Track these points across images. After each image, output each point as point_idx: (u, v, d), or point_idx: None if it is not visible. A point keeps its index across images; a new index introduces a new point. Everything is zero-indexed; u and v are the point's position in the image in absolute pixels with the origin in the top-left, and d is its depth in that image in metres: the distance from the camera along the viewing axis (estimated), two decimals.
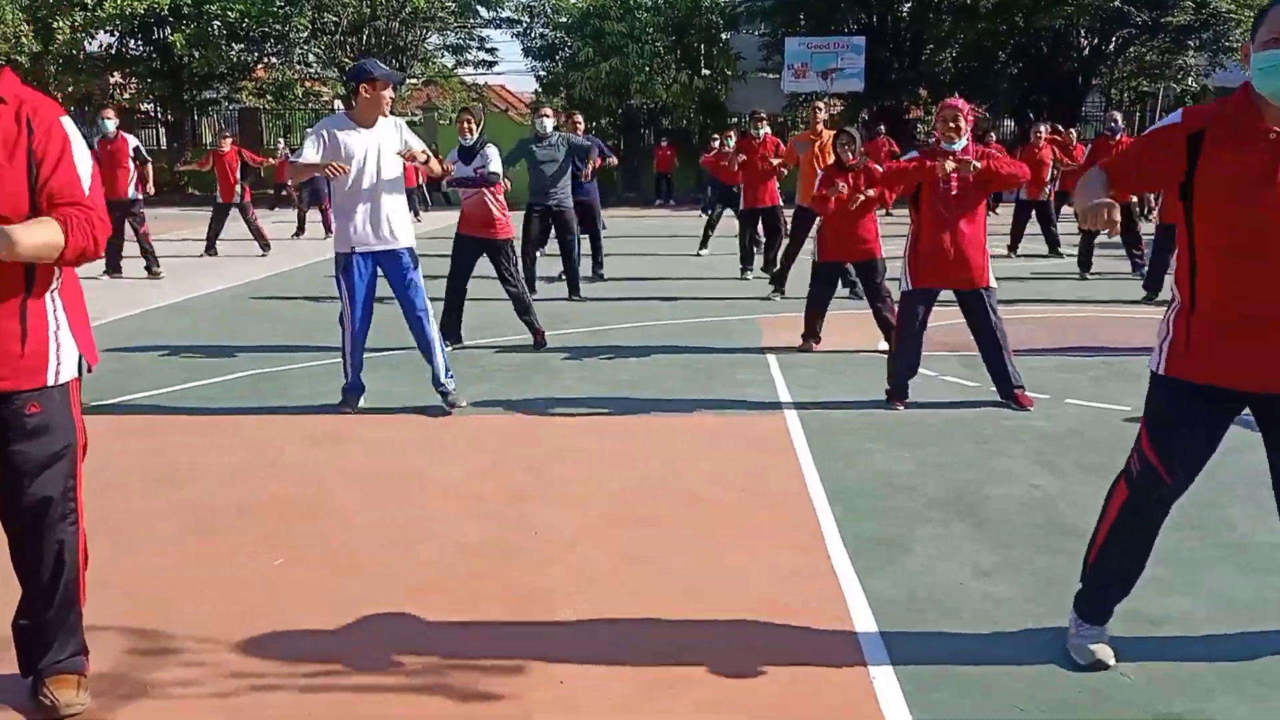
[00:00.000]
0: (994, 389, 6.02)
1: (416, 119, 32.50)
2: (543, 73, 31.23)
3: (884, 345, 7.13)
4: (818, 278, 7.55)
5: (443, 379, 5.86)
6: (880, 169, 7.31)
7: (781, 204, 11.04)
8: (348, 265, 5.72)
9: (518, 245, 8.31)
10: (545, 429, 5.57)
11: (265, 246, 14.37)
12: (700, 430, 5.55)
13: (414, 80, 31.78)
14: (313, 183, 16.98)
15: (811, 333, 7.60)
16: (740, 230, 11.82)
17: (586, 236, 11.55)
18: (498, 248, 7.68)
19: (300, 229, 17.12)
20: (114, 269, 11.71)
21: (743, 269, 11.70)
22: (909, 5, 28.95)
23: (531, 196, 9.99)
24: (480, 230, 7.61)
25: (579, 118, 11.82)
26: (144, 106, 31.74)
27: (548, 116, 9.97)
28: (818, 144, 9.93)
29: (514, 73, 68.65)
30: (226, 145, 14.48)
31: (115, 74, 28.98)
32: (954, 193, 5.68)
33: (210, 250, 14.31)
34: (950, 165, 5.62)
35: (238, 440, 5.34)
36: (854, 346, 7.60)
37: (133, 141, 11.65)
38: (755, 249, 11.80)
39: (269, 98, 30.39)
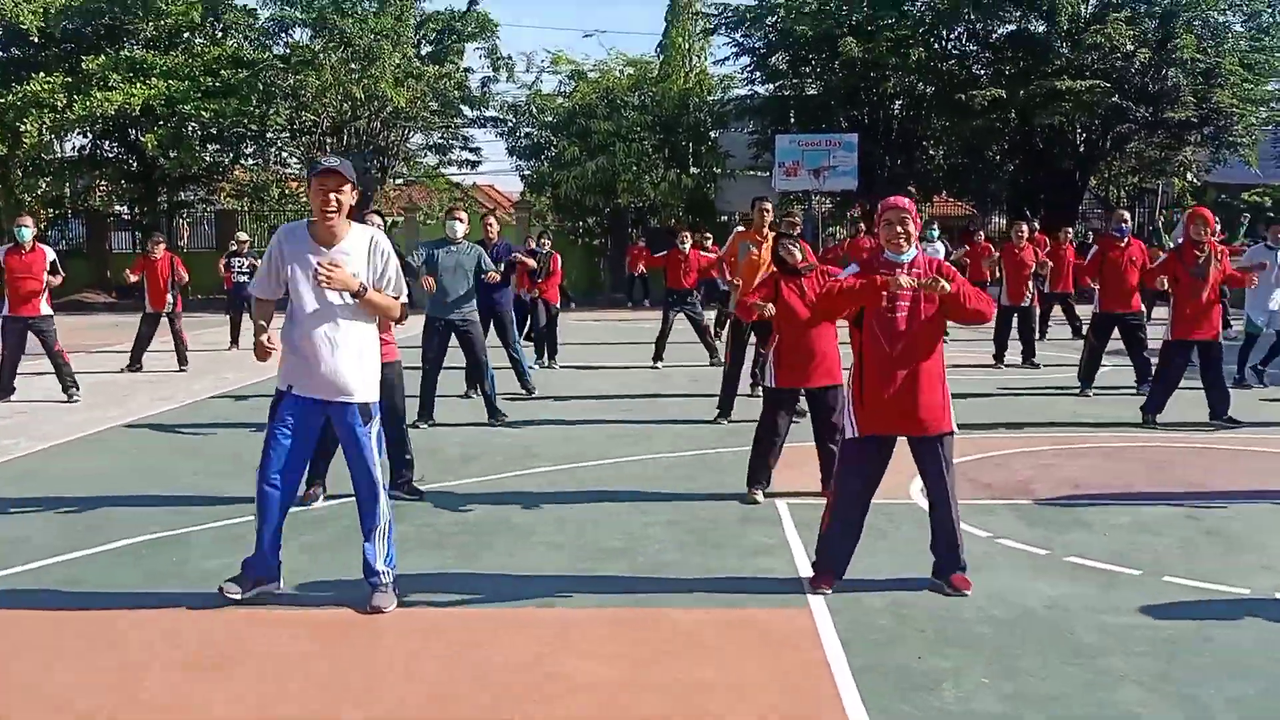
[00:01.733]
0: (1074, 554, 4.76)
1: (398, 220, 31.75)
2: (528, 172, 30.51)
3: (918, 498, 5.91)
4: (769, 404, 6.43)
5: (377, 566, 4.56)
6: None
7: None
8: (276, 404, 4.53)
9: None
10: (509, 638, 4.22)
11: (183, 361, 13.21)
12: (710, 631, 4.23)
13: (397, 180, 31.06)
14: (240, 288, 15.73)
15: (757, 480, 6.36)
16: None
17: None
18: None
19: (234, 339, 15.87)
20: (5, 391, 10.43)
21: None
22: (900, 102, 28.45)
23: (430, 308, 8.80)
24: None
25: (493, 222, 10.82)
26: (117, 209, 30.88)
27: (459, 220, 8.88)
28: (763, 247, 8.82)
29: (499, 172, 68.12)
30: (159, 251, 13.31)
31: (85, 177, 28.06)
32: (900, 318, 4.49)
33: (135, 365, 13.06)
34: (906, 281, 4.43)
35: (89, 659, 4.01)
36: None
37: (50, 254, 10.48)
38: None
39: (247, 199, 29.53)
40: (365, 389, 4.50)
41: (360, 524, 4.60)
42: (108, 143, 28.97)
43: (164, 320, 13.29)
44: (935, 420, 4.55)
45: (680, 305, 13.23)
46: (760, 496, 6.26)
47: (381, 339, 5.99)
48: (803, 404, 6.64)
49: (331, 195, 4.33)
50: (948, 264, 4.72)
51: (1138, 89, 25.29)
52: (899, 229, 4.55)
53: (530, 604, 4.55)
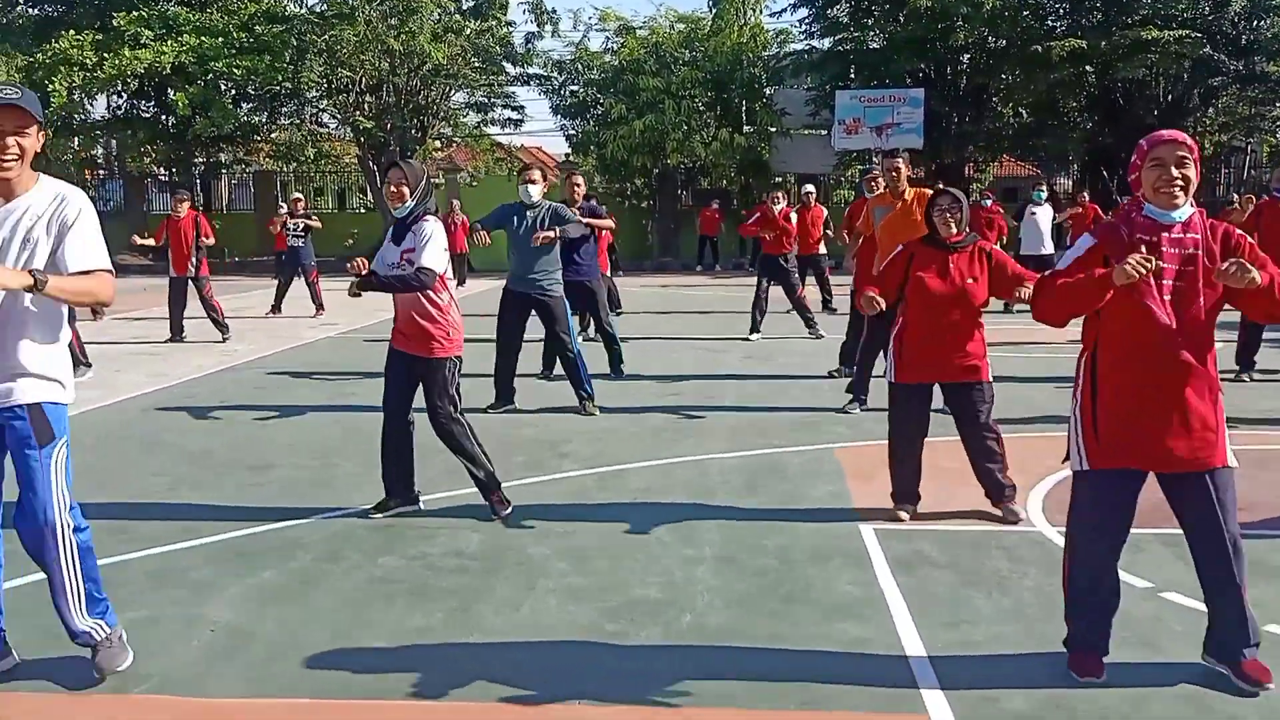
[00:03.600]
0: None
1: (439, 182, 30.60)
2: (573, 131, 29.15)
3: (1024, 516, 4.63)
4: (897, 402, 5.15)
5: (78, 626, 3.40)
6: (996, 249, 5.13)
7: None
8: None
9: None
10: None
11: (222, 329, 12.18)
12: None
13: (437, 141, 29.86)
14: (295, 253, 14.88)
15: (904, 493, 5.11)
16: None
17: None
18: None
19: (276, 305, 14.85)
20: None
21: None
22: (969, 55, 26.60)
23: (509, 279, 7.81)
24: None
25: (578, 179, 9.38)
26: (154, 170, 30.05)
27: (533, 182, 7.61)
28: (900, 207, 7.48)
29: (544, 132, 66.65)
30: (183, 210, 12.24)
31: (119, 137, 27.22)
32: (1164, 307, 3.18)
33: (176, 334, 12.14)
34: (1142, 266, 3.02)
35: None
36: (963, 507, 5.07)
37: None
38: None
39: (283, 160, 28.55)
40: (34, 388, 3.25)
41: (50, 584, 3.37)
42: (143, 102, 28.12)
43: (191, 286, 12.27)
44: (1205, 450, 3.25)
45: (774, 272, 11.86)
46: (906, 516, 5.05)
47: (443, 326, 4.85)
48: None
49: (10, 140, 3.10)
50: (1242, 234, 3.29)
51: (1229, 39, 23.32)
52: (1174, 172, 3.13)
53: (527, 705, 3.31)
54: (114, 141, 28.63)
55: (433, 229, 4.96)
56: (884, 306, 5.01)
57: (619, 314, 13.91)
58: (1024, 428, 7.05)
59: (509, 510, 5.15)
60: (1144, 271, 2.99)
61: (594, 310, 9.32)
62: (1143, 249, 3.12)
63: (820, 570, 4.39)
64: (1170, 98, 25.56)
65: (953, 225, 4.94)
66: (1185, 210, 3.15)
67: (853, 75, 26.69)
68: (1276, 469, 6.09)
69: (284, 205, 16.44)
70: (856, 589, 4.17)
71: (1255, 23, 22.98)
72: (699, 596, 4.09)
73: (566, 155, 30.89)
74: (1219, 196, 25.44)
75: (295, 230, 14.81)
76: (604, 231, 9.75)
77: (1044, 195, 15.55)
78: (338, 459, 6.40)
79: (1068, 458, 3.43)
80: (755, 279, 12.18)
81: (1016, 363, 9.65)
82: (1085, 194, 17.57)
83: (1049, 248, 14.93)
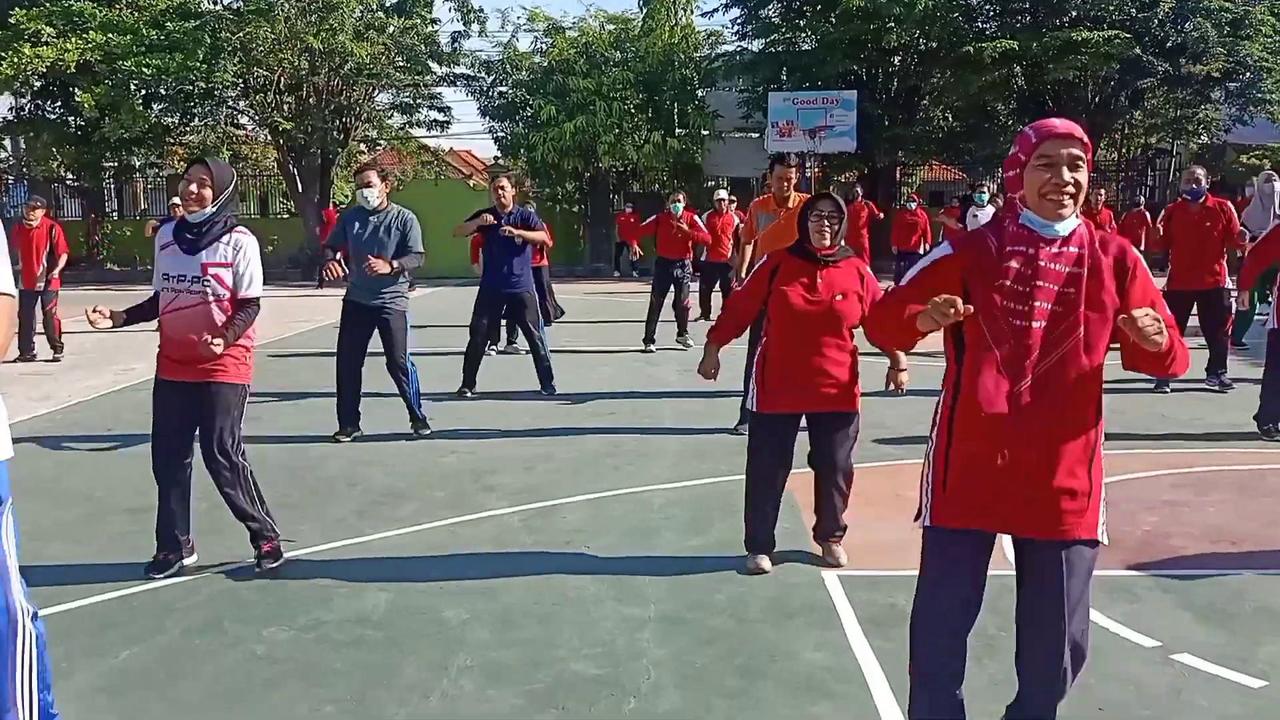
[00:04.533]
0: None
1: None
2: (502, 134, 28.37)
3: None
4: (756, 434, 4.72)
5: None
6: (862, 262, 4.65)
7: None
8: None
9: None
10: None
11: (56, 349, 11.22)
12: None
13: (359, 144, 28.88)
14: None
15: (760, 539, 4.60)
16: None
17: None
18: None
19: None
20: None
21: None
22: (901, 57, 26.45)
23: (348, 290, 7.15)
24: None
25: (503, 183, 8.61)
26: (64, 175, 28.61)
27: (369, 185, 6.89)
28: (783, 214, 7.00)
29: (472, 135, 65.55)
30: (36, 218, 11.19)
31: (20, 140, 25.82)
32: (1036, 332, 2.52)
33: (26, 353, 11.08)
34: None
35: None
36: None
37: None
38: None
39: None
40: None
41: None
42: (48, 103, 26.73)
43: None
44: (1072, 518, 2.62)
45: (668, 275, 11.54)
46: (767, 564, 4.48)
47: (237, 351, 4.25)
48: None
49: None
50: (1136, 255, 2.69)
51: (1157, 41, 23.42)
52: (1066, 176, 2.50)
53: None
54: (20, 144, 27.20)
55: (254, 247, 4.45)
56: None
57: (559, 318, 13.30)
58: None
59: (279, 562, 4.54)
60: (951, 317, 2.43)
61: (523, 323, 8.69)
62: (1013, 265, 2.51)
63: (782, 632, 3.82)
64: (1099, 99, 25.65)
65: (827, 235, 4.39)
66: (1071, 222, 2.55)
67: (785, 77, 26.35)
68: (1260, 494, 5.68)
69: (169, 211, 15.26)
70: (825, 656, 3.61)
71: (1183, 24, 23.10)
72: (643, 672, 3.49)
73: (495, 158, 30.09)
74: (1147, 199, 25.56)
75: None
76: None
77: (986, 196, 14.95)
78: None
79: (918, 515, 2.78)
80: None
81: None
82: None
83: None
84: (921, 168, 31.37)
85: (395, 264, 6.81)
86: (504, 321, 11.13)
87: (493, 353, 11.01)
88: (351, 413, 7.12)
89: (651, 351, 11.08)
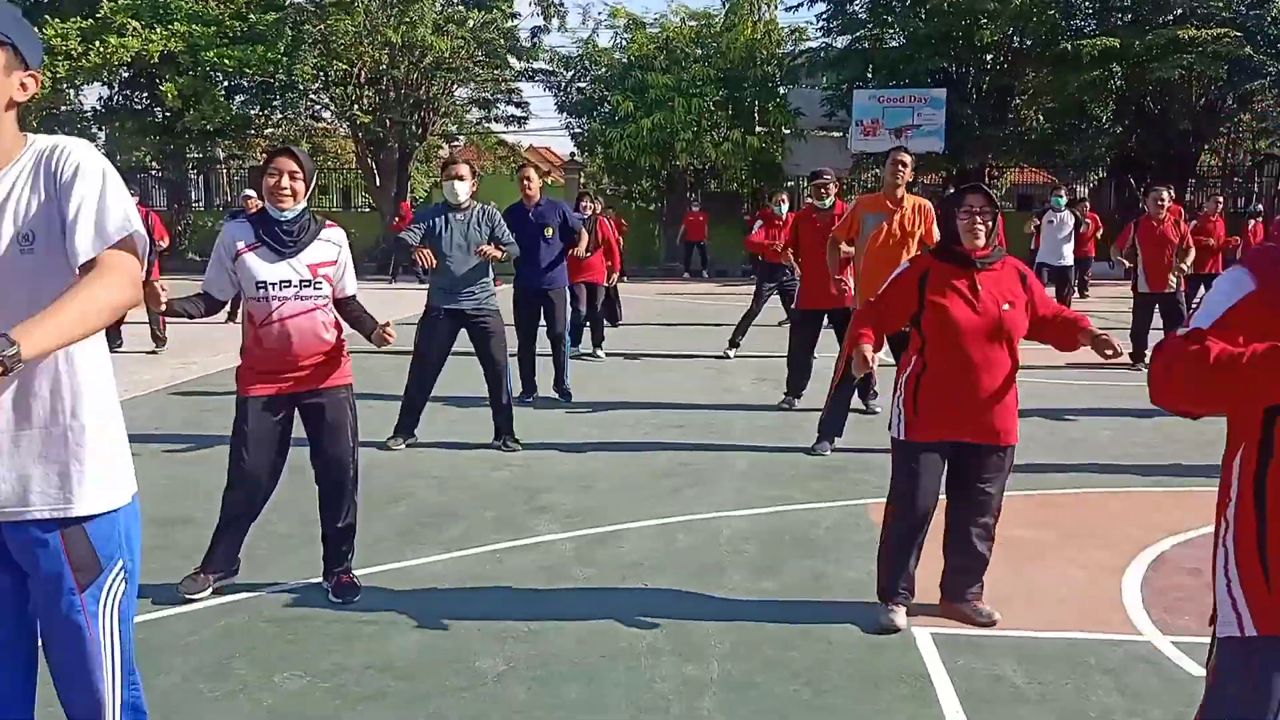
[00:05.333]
0: None
1: (440, 180, 29.55)
2: (578, 130, 28.01)
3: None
4: (904, 467, 4.00)
5: None
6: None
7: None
8: None
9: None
10: None
11: (157, 341, 11.14)
12: None
13: (437, 138, 28.79)
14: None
15: (900, 587, 3.96)
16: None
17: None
18: None
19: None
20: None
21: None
22: (994, 54, 25.42)
23: (430, 294, 6.69)
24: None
25: (531, 176, 7.98)
26: (148, 165, 28.98)
27: (459, 178, 6.44)
28: (897, 216, 6.39)
29: (548, 130, 65.41)
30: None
31: (106, 129, 26.19)
32: None
33: (112, 343, 11.02)
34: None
35: None
36: (1047, 600, 3.92)
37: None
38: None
39: None
40: (78, 493, 2.12)
41: None
42: (134, 93, 27.10)
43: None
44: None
45: (775, 281, 10.32)
46: (901, 619, 3.87)
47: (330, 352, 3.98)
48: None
49: None
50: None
51: (1271, 40, 22.13)
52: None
53: None
54: (104, 134, 27.61)
55: (346, 240, 4.12)
56: (875, 365, 3.85)
57: (616, 325, 12.82)
58: (1089, 477, 5.91)
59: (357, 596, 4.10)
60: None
61: (549, 320, 8.17)
62: None
63: (868, 705, 3.26)
64: (1204, 101, 24.39)
65: (981, 234, 3.75)
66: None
67: (870, 74, 25.56)
68: None
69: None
70: None
71: None
72: None
73: (572, 155, 29.75)
74: (1250, 208, 24.21)
75: None
76: (583, 240, 8.58)
77: (1064, 200, 14.26)
78: (271, 512, 5.29)
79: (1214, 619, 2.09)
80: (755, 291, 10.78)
81: (1058, 390, 8.53)
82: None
83: (1068, 259, 13.79)
84: (1011, 170, 30.28)
85: (503, 251, 6.50)
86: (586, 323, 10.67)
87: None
88: (413, 422, 6.73)
89: (730, 357, 10.50)
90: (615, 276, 11.79)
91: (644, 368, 10.13)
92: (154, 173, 29.51)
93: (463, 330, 6.64)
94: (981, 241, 3.77)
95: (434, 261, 6.36)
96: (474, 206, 6.54)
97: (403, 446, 6.62)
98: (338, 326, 4.14)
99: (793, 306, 8.09)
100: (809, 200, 8.08)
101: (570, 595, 4.18)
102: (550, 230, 7.95)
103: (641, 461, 6.38)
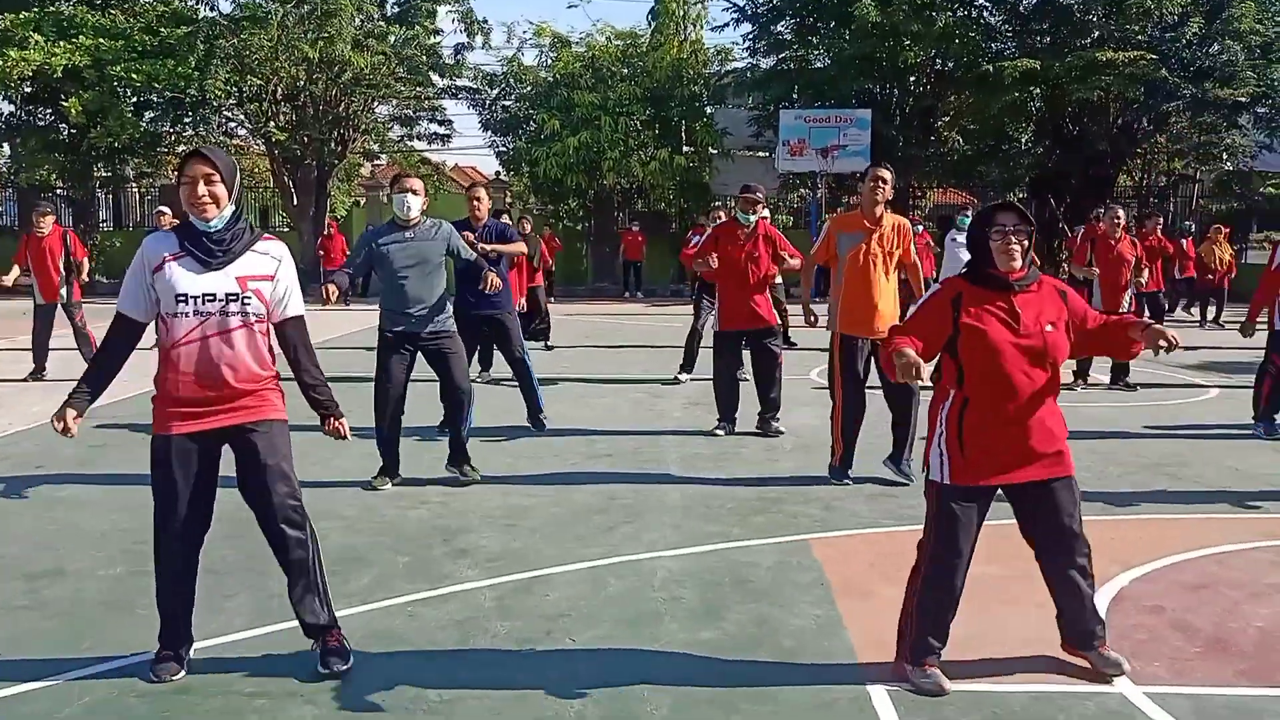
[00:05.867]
0: None
1: (358, 200, 28.93)
2: (504, 149, 27.55)
3: None
4: (946, 514, 3.52)
5: None
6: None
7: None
8: None
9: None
10: None
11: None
12: None
13: (358, 156, 28.12)
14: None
15: (934, 647, 3.53)
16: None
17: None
18: None
19: None
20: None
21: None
22: (917, 76, 25.61)
23: (384, 317, 6.22)
24: None
25: (478, 193, 7.56)
26: (54, 184, 27.75)
27: (411, 192, 6.04)
28: (876, 235, 6.11)
29: (471, 148, 64.64)
30: (47, 225, 10.51)
31: (5, 144, 25.05)
32: None
33: (38, 370, 10.45)
34: None
35: None
36: (1015, 647, 3.61)
37: None
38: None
39: None
40: None
41: None
42: (37, 108, 25.97)
43: (60, 312, 10.63)
44: None
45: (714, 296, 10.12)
46: (945, 681, 3.45)
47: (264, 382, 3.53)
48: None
49: None
50: None
51: (1184, 63, 22.61)
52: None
53: None
54: (5, 149, 26.43)
55: (290, 257, 3.63)
56: (923, 375, 3.49)
57: (549, 348, 12.42)
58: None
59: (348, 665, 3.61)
60: None
61: (506, 349, 7.77)
62: None
63: None
64: (1121, 122, 24.84)
65: (1018, 255, 3.44)
66: None
67: (796, 95, 25.57)
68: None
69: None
70: None
71: (1209, 47, 22.30)
72: None
73: (497, 173, 29.28)
74: (1171, 225, 24.68)
75: None
76: (520, 256, 8.21)
77: (968, 220, 14.32)
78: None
79: None
80: (694, 309, 10.54)
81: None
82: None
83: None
84: (933, 190, 30.56)
85: (494, 279, 6.28)
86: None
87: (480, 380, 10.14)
88: (393, 459, 6.25)
89: (681, 380, 10.09)
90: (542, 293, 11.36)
91: (572, 392, 9.73)
92: (59, 192, 28.33)
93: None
94: (1018, 263, 3.44)
95: (336, 295, 5.92)
96: (424, 222, 6.10)
97: (389, 487, 6.14)
98: (274, 355, 3.63)
99: (715, 329, 7.75)
100: (734, 214, 7.77)
101: (488, 656, 3.75)
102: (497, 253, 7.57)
103: (569, 496, 5.97)
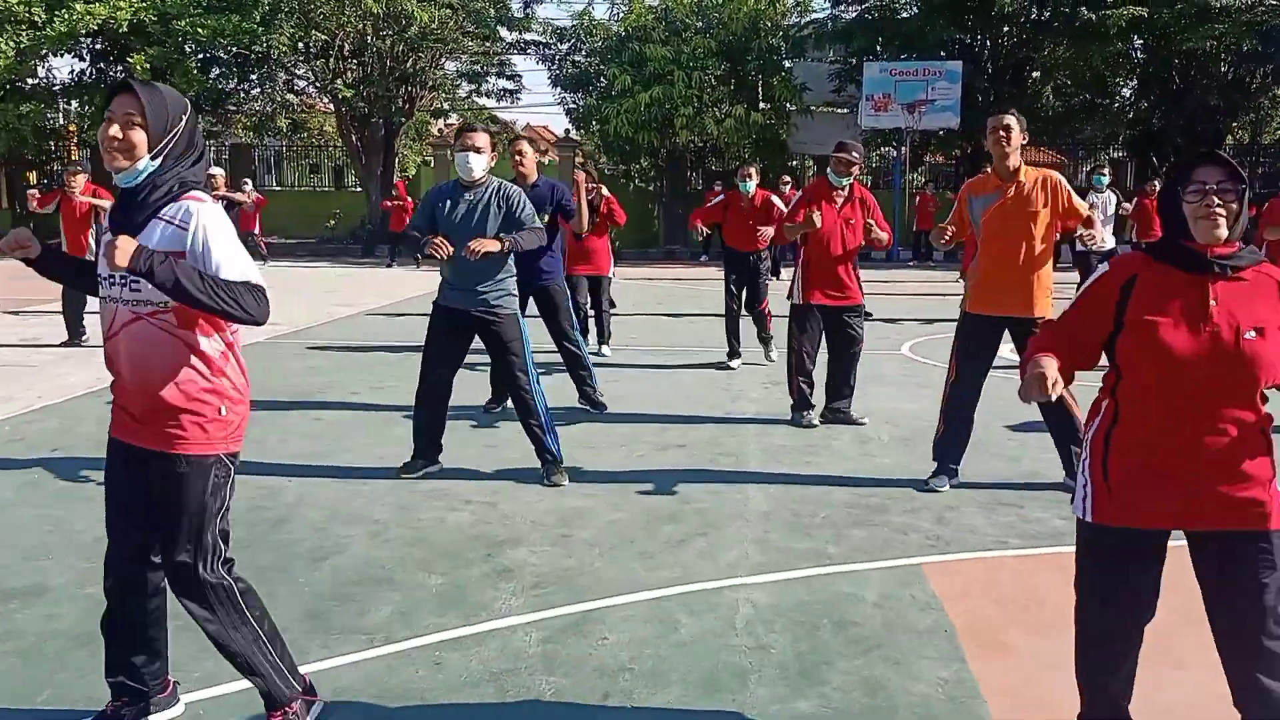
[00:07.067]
0: None
1: (428, 159, 28.32)
2: (573, 105, 26.66)
3: None
4: (1096, 557, 2.64)
5: None
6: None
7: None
8: None
9: None
10: None
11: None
12: None
13: (425, 114, 27.47)
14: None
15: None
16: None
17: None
18: None
19: None
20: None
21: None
22: (1010, 25, 24.05)
23: (439, 291, 5.50)
24: None
25: (525, 149, 6.70)
26: None
27: (473, 150, 5.22)
28: (1013, 194, 5.11)
29: (542, 106, 63.64)
30: (78, 183, 9.91)
31: (74, 102, 24.89)
32: None
33: (74, 337, 10.01)
34: None
35: None
36: None
37: None
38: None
39: (255, 132, 26.19)
40: None
41: None
42: (107, 66, 25.74)
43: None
44: None
45: (741, 272, 9.00)
46: None
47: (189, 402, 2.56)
48: None
49: None
50: None
51: None
52: None
53: None
54: (74, 108, 26.29)
55: (214, 215, 2.62)
56: (1063, 392, 2.51)
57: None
58: None
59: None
60: None
61: (554, 324, 6.98)
62: None
63: None
64: (1232, 76, 23.10)
65: (1222, 224, 2.46)
66: None
67: (881, 46, 24.25)
68: None
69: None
70: None
71: None
72: None
73: (567, 131, 28.43)
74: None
75: None
76: (575, 222, 7.34)
77: (1106, 180, 12.78)
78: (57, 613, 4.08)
79: None
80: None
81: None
82: (1154, 183, 15.08)
83: (1110, 242, 12.44)
84: (1027, 149, 29.00)
85: (508, 240, 5.18)
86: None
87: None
88: (426, 446, 5.53)
89: (734, 368, 8.88)
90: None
91: (640, 367, 8.91)
92: None
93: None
94: (1224, 232, 2.45)
95: (450, 251, 5.11)
96: (490, 184, 5.31)
97: (416, 475, 5.43)
98: (205, 360, 2.70)
99: (793, 300, 6.80)
100: (827, 174, 6.77)
101: None
102: (545, 217, 6.75)
103: (634, 499, 5.16)
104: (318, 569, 4.18)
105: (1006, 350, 5.38)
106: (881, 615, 3.76)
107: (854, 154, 6.58)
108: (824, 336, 6.75)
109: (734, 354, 8.95)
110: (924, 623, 3.69)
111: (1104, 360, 2.62)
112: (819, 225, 6.38)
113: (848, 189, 6.61)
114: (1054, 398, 2.46)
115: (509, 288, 5.41)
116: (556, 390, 7.07)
